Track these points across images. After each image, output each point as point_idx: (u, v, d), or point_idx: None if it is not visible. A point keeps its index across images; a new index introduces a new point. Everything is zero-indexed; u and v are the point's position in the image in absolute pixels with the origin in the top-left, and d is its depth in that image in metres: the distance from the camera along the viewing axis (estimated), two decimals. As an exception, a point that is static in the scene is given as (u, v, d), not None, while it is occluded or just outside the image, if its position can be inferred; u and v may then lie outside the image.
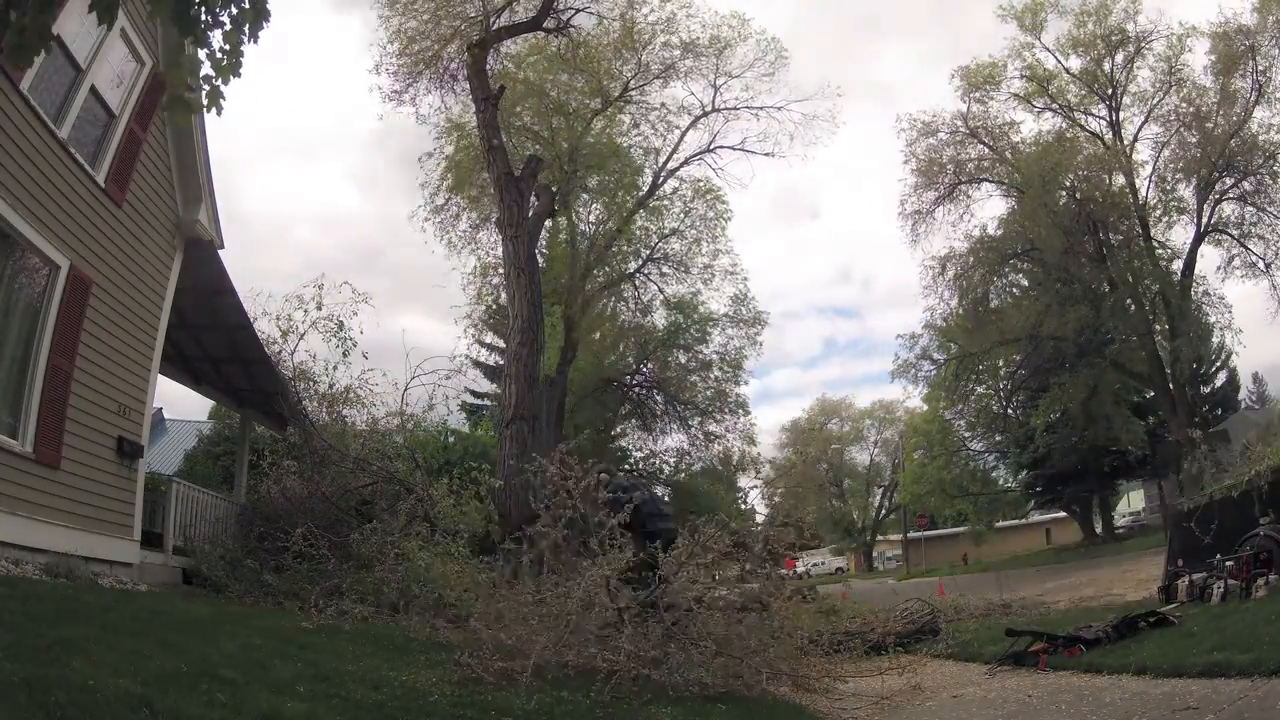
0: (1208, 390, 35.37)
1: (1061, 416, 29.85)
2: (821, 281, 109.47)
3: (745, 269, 30.95)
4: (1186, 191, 26.53)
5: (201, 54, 3.99)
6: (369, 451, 12.82)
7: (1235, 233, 25.97)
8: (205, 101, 4.07)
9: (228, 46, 3.94)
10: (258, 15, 3.89)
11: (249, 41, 3.95)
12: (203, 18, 3.80)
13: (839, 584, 35.21)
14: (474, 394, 38.15)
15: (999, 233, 28.62)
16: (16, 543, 7.20)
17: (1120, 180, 26.38)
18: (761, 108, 25.71)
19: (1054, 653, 6.64)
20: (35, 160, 7.66)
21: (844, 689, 6.92)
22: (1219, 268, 26.25)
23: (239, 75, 4.00)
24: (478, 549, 12.44)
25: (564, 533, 7.89)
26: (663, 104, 25.64)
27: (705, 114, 26.04)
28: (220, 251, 11.57)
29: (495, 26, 21.30)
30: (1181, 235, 27.16)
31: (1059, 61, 27.60)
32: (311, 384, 12.95)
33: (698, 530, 7.44)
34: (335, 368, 13.14)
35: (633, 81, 24.61)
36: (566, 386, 26.17)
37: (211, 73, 4.01)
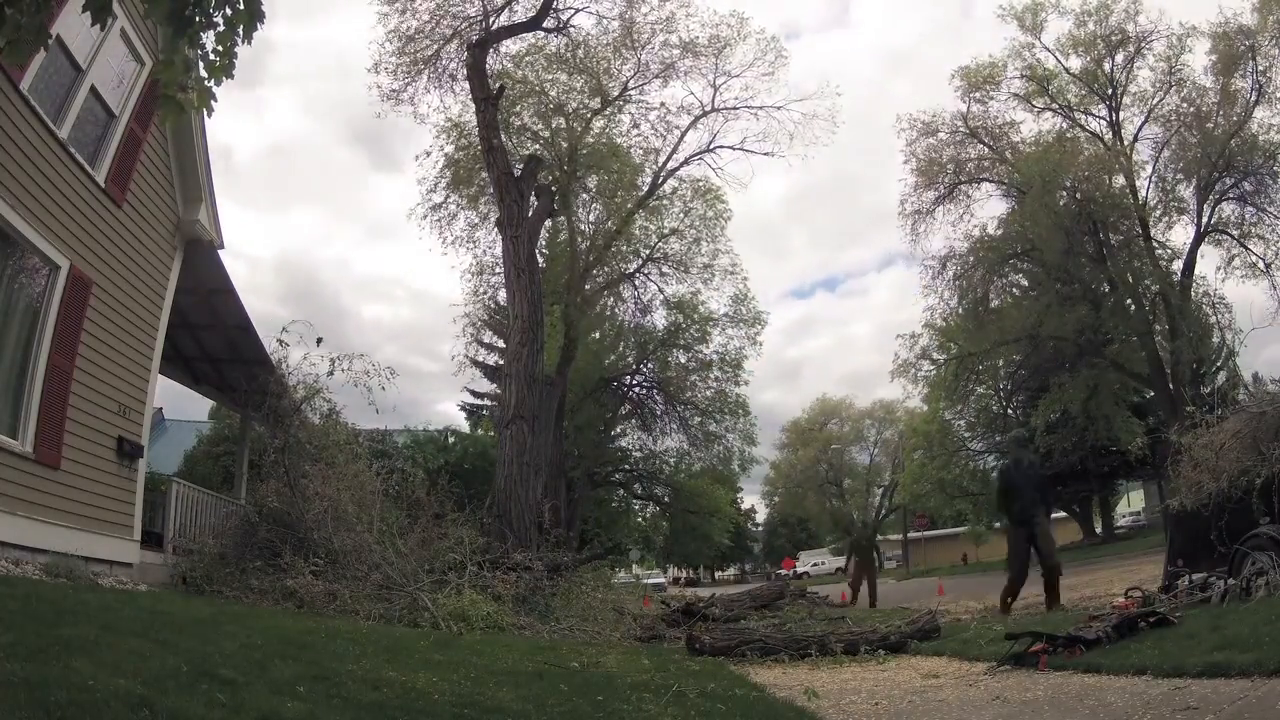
0: (1208, 390, 35.42)
1: (1061, 416, 29.85)
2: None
3: (745, 268, 30.88)
4: (1186, 192, 26.54)
5: (195, 54, 3.99)
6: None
7: (1235, 233, 25.96)
8: (195, 102, 4.07)
9: (221, 47, 3.95)
10: (252, 16, 3.90)
11: (243, 43, 3.96)
12: (196, 18, 3.80)
13: (839, 584, 35.16)
14: (473, 394, 38.23)
15: (999, 233, 28.61)
16: (16, 543, 7.21)
17: (1120, 180, 26.38)
18: (761, 107, 25.74)
19: (1054, 653, 6.63)
20: (35, 160, 7.67)
21: (843, 688, 6.92)
22: (1219, 268, 26.25)
23: (231, 76, 4.00)
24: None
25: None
26: (662, 104, 25.67)
27: (705, 114, 26.06)
28: (220, 251, 11.60)
29: (494, 26, 21.33)
30: (1181, 235, 27.20)
31: (1059, 61, 27.62)
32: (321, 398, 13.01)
33: None
34: (339, 411, 13.37)
35: (632, 81, 24.64)
36: (566, 386, 26.18)
37: (204, 74, 4.01)
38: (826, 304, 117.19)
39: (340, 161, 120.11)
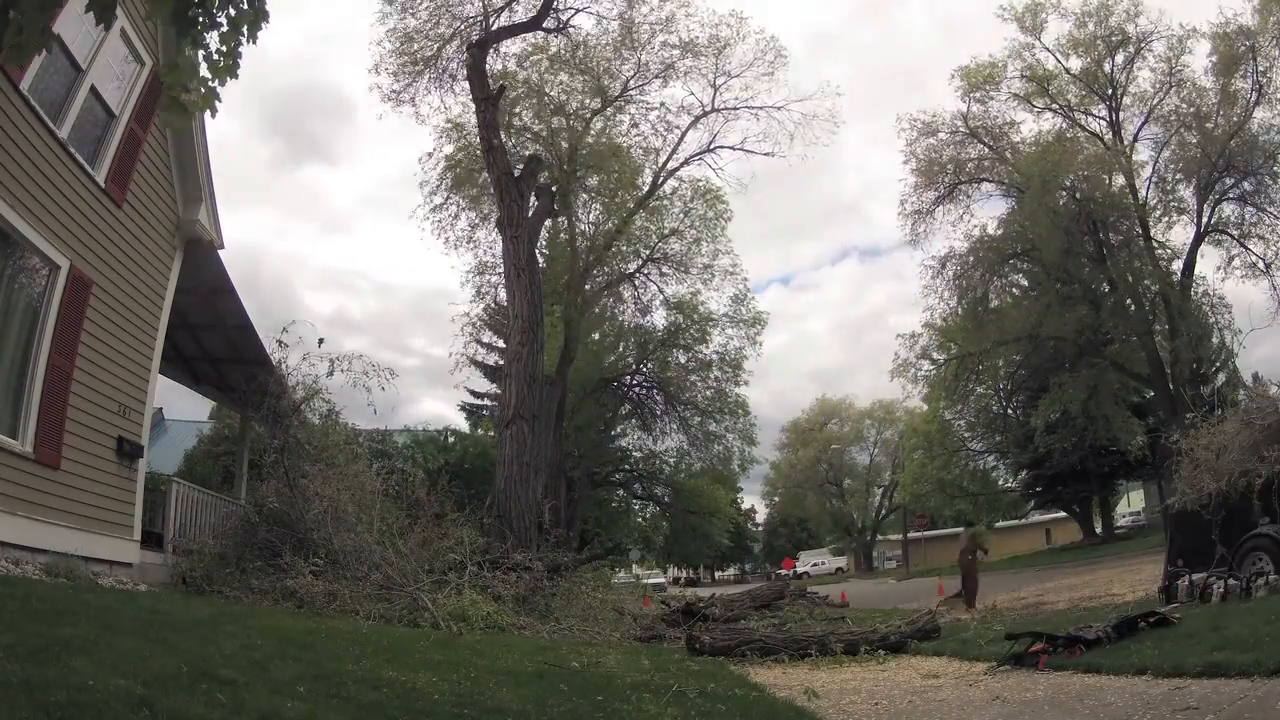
0: (1207, 390, 35.47)
1: (1061, 417, 29.86)
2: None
3: (745, 269, 30.83)
4: (1186, 192, 26.56)
5: (199, 55, 3.98)
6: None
7: (1235, 233, 25.98)
8: (200, 103, 4.06)
9: (225, 47, 3.94)
10: (257, 16, 3.88)
11: (247, 43, 3.94)
12: (200, 19, 3.79)
13: (839, 584, 35.18)
14: (473, 394, 38.22)
15: (999, 233, 28.64)
16: (16, 543, 7.20)
17: (1120, 180, 26.40)
18: (761, 107, 25.74)
19: (1054, 653, 6.64)
20: (35, 160, 7.66)
21: (843, 688, 6.92)
22: (1219, 268, 26.28)
23: (236, 76, 3.99)
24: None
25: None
26: (662, 104, 25.68)
27: (705, 114, 26.07)
28: (220, 251, 11.60)
29: (494, 26, 21.33)
30: (1181, 235, 27.21)
31: (1059, 62, 27.64)
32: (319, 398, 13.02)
33: None
34: (338, 412, 13.41)
35: (632, 81, 24.64)
36: (566, 386, 26.17)
37: (208, 74, 4.00)
38: (781, 299, 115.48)
39: (263, 155, 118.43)
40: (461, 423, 38.90)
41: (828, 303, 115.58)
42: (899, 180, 54.43)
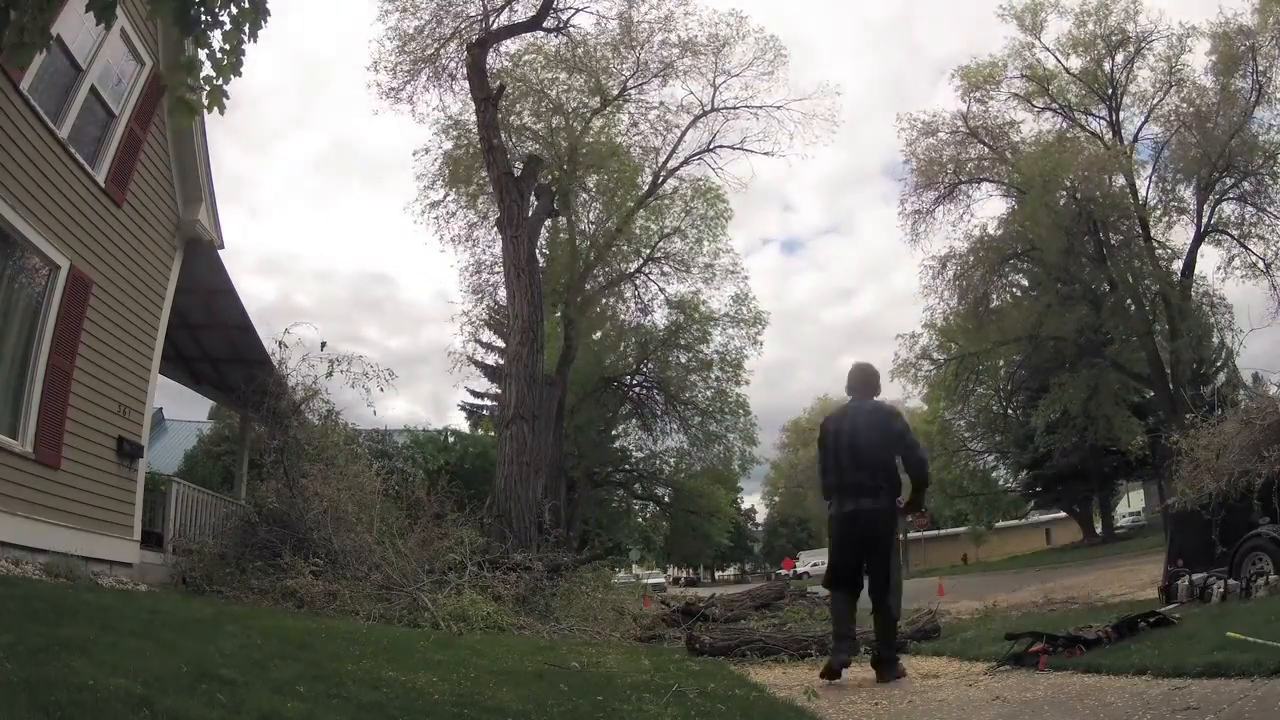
0: (1208, 390, 35.47)
1: (1061, 417, 29.91)
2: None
3: (746, 268, 30.99)
4: (1186, 192, 26.63)
5: (202, 54, 3.99)
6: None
7: (1235, 233, 26.02)
8: (206, 101, 4.07)
9: (228, 46, 3.95)
10: (258, 14, 3.90)
11: (249, 40, 3.96)
12: (203, 18, 3.81)
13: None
14: (473, 394, 38.25)
15: (999, 233, 28.68)
16: (16, 543, 7.21)
17: (1120, 180, 26.43)
18: (761, 106, 25.73)
19: (1054, 653, 6.63)
20: (35, 160, 7.66)
21: (843, 688, 6.92)
22: (1219, 268, 26.35)
23: (239, 74, 4.01)
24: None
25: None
26: (662, 103, 25.67)
27: (704, 113, 26.06)
28: (220, 251, 11.61)
29: (494, 26, 21.32)
30: (1181, 235, 27.27)
31: (1059, 61, 27.69)
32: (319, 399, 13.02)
33: None
34: (338, 412, 13.40)
35: (631, 80, 24.62)
36: (566, 386, 26.18)
37: (212, 73, 4.01)
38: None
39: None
40: (450, 422, 38.99)
41: (754, 295, 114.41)
42: (899, 179, 54.39)
